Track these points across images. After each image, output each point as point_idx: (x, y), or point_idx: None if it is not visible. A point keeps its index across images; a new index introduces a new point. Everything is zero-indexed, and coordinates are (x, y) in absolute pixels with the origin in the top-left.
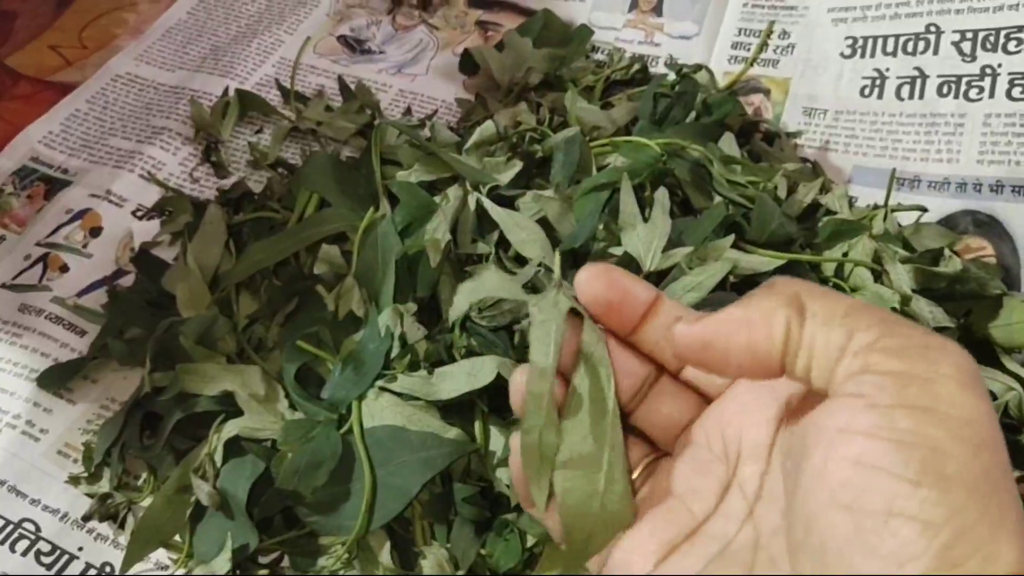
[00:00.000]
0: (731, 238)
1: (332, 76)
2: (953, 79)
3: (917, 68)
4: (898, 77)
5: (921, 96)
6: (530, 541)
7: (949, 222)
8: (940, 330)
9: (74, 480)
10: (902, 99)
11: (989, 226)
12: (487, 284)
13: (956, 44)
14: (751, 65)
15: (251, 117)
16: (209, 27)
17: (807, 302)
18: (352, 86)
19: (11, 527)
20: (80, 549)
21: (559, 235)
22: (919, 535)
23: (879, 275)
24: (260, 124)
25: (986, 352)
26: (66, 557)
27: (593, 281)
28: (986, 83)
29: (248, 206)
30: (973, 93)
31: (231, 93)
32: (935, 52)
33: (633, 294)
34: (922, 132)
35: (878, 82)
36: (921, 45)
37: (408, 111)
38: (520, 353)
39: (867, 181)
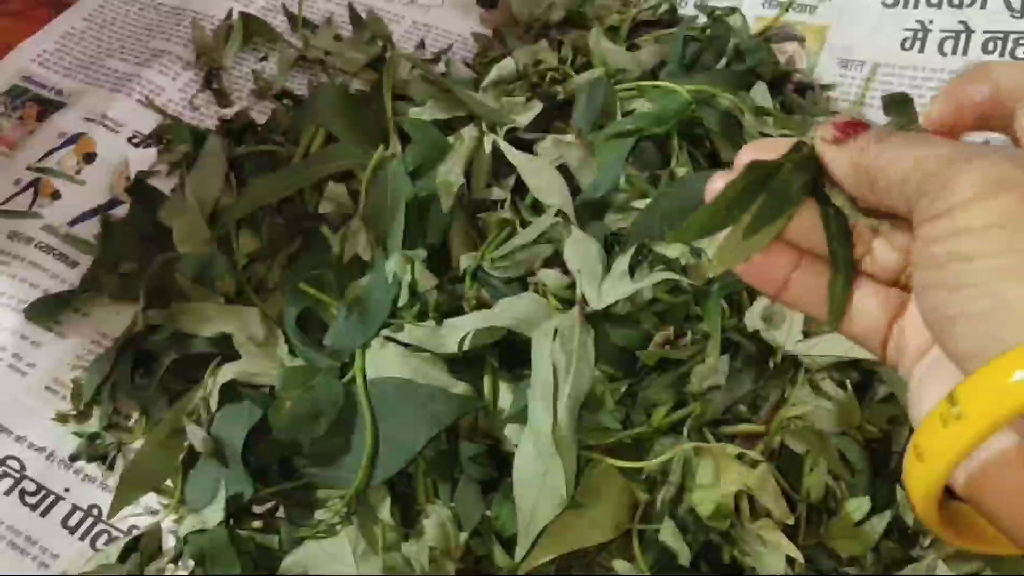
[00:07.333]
0: None
1: (342, 3)
2: (1000, 36)
3: (962, 22)
4: (942, 31)
5: (965, 52)
6: None
7: None
8: None
9: (62, 418)
10: (945, 54)
11: None
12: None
13: None
14: (786, 10)
15: (256, 43)
16: None
17: None
18: (363, 15)
19: None
20: (67, 490)
21: (579, 183)
22: None
23: None
24: (265, 51)
25: None
26: (52, 498)
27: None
28: None
29: (250, 138)
30: (1020, 51)
31: (235, 16)
32: (983, 6)
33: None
34: None
35: (920, 35)
36: None
37: (421, 44)
38: None
39: None
